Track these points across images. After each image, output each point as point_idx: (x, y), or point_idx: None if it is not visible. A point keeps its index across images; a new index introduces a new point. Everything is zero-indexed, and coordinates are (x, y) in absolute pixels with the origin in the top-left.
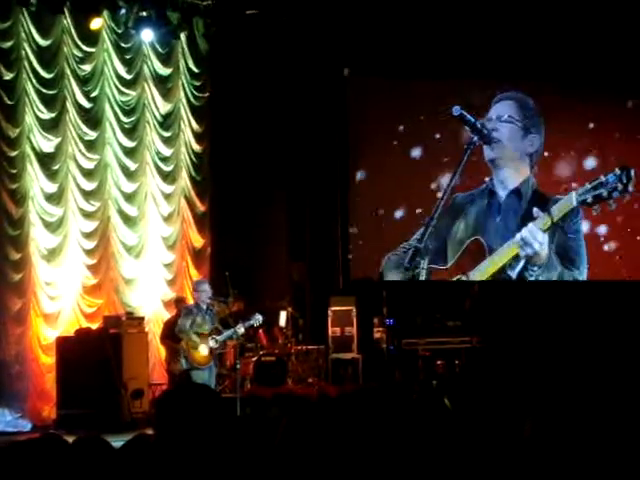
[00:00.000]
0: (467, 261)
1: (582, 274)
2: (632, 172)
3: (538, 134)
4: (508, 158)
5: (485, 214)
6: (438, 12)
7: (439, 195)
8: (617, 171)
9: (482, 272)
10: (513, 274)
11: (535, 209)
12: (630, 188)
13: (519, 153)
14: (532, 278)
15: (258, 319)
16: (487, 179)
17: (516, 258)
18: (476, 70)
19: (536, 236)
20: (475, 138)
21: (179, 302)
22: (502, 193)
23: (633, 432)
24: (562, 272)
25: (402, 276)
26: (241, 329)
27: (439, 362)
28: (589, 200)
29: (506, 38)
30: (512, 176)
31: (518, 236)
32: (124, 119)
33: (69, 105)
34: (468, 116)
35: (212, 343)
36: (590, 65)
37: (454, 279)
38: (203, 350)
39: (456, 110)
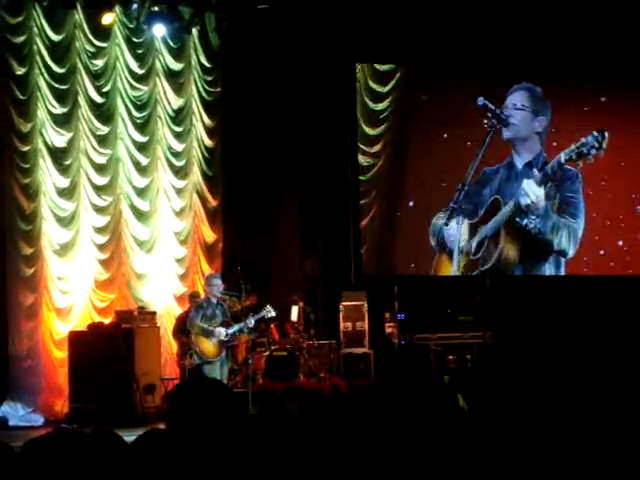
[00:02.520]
0: (489, 216)
1: (579, 226)
2: (606, 133)
3: (545, 116)
4: (522, 137)
5: (506, 182)
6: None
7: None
8: (595, 133)
9: (496, 221)
10: (522, 222)
11: (534, 169)
12: (604, 146)
13: (530, 133)
14: (532, 226)
15: (269, 311)
16: (509, 156)
17: (521, 210)
18: (492, 67)
19: (532, 188)
20: (495, 122)
21: (193, 297)
22: (519, 164)
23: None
24: (557, 221)
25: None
26: (251, 321)
27: (451, 357)
28: (574, 157)
29: (517, 39)
30: (526, 151)
31: (520, 189)
32: (136, 114)
33: (81, 100)
34: (490, 105)
35: (222, 335)
36: (585, 59)
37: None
38: (212, 342)
39: (480, 100)
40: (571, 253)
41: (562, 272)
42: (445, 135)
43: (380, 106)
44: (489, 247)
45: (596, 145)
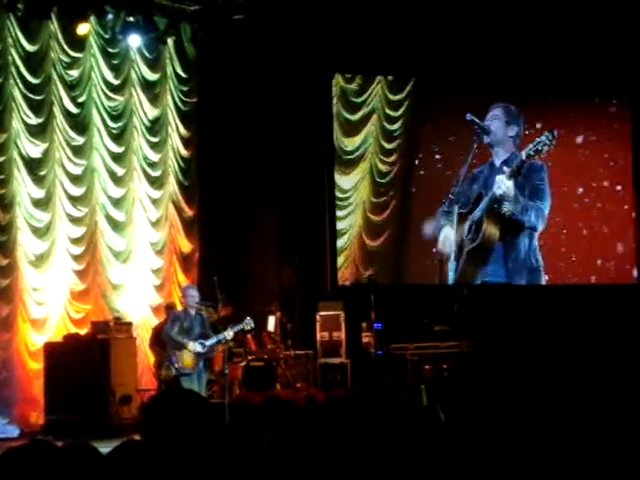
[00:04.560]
0: (475, 206)
1: (545, 206)
2: (555, 133)
3: (516, 125)
4: (498, 141)
5: (488, 178)
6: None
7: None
8: (547, 133)
9: (480, 209)
10: (498, 208)
11: (504, 167)
12: (554, 143)
13: (505, 137)
14: (505, 210)
15: (249, 323)
16: (490, 157)
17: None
18: (475, 86)
19: (504, 181)
20: (480, 132)
21: (169, 308)
22: (497, 163)
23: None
24: (526, 204)
25: (446, 221)
26: (230, 333)
27: (427, 367)
28: (532, 153)
29: (497, 64)
30: (503, 152)
31: (495, 182)
32: (111, 124)
33: (56, 110)
34: (476, 119)
35: (199, 347)
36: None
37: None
38: (189, 354)
39: (468, 116)
40: (540, 228)
41: (535, 244)
42: (436, 149)
43: (355, 117)
44: (477, 229)
45: (548, 143)
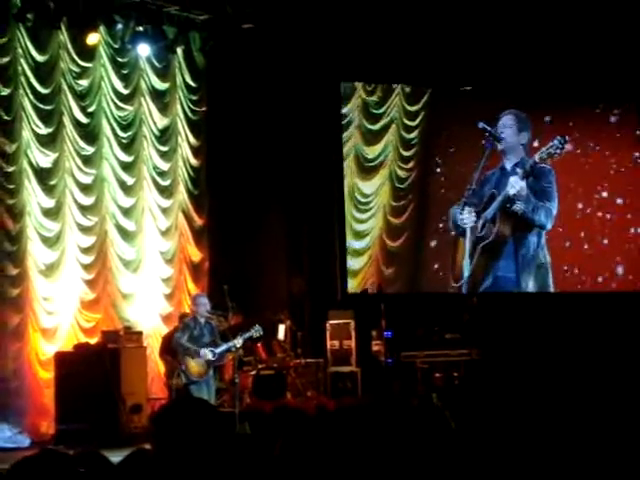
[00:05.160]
0: (488, 204)
1: (553, 207)
2: (567, 138)
3: (527, 132)
4: (510, 147)
5: (499, 180)
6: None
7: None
8: (559, 137)
9: (493, 208)
10: (511, 207)
11: (517, 168)
12: (566, 147)
13: (517, 144)
14: (517, 209)
15: (258, 330)
16: (501, 161)
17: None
18: (489, 95)
19: (517, 182)
20: (491, 139)
21: (183, 318)
22: (508, 167)
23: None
24: (537, 204)
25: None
26: (240, 341)
27: (437, 375)
28: (544, 157)
29: (507, 72)
30: (514, 157)
31: (508, 183)
32: (121, 134)
33: (66, 120)
34: (487, 127)
35: (209, 355)
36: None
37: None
38: (198, 362)
39: (480, 124)
40: (548, 227)
41: (543, 242)
42: (450, 155)
43: (376, 127)
44: (489, 227)
45: (560, 147)
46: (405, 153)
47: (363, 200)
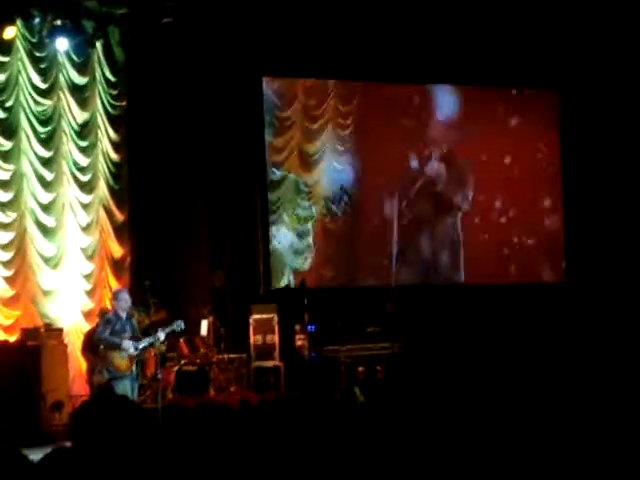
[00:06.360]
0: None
1: (470, 192)
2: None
3: None
4: None
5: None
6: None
7: None
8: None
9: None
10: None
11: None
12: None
13: None
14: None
15: (179, 325)
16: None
17: None
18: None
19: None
20: None
21: (104, 314)
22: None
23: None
24: (454, 186)
25: None
26: (162, 335)
27: (360, 369)
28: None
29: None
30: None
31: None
32: (40, 129)
33: None
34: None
35: (131, 348)
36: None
37: None
38: (122, 355)
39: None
40: (465, 208)
41: (458, 221)
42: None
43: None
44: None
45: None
46: (340, 148)
47: (306, 190)
